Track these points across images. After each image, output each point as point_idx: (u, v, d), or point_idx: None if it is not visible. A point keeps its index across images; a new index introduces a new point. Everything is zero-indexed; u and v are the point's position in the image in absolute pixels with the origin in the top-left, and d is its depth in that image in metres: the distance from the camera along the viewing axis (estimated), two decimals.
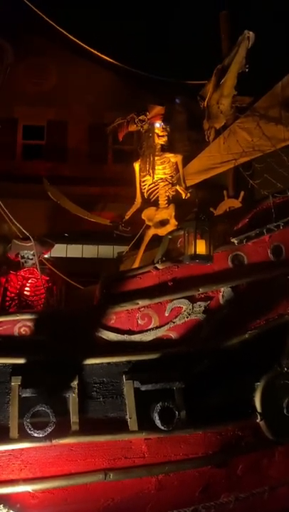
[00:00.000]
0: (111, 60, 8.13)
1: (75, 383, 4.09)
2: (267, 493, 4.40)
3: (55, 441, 3.94)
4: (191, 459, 4.18)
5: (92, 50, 7.92)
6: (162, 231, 6.32)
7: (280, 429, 4.38)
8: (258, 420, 4.33)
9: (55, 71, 11.57)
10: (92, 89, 11.07)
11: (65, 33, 7.55)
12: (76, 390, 4.08)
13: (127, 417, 4.13)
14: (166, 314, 4.50)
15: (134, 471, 4.08)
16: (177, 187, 6.56)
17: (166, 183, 6.56)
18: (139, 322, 4.47)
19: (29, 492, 3.90)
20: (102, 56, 8.03)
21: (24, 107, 11.41)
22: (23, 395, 3.99)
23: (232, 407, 4.28)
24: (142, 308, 4.48)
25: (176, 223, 6.29)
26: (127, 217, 6.86)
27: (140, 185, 6.73)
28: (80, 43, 7.77)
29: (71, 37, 7.63)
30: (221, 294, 4.56)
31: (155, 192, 6.61)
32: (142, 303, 4.48)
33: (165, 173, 6.56)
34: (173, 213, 6.44)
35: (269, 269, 4.67)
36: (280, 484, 4.45)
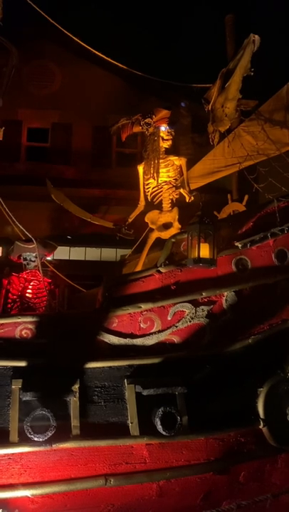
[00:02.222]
0: (116, 63, 8.13)
1: (76, 387, 4.05)
2: (269, 500, 4.34)
3: (55, 446, 3.90)
4: (192, 465, 4.13)
5: (97, 53, 7.91)
6: (165, 234, 6.30)
7: (283, 435, 4.31)
8: (260, 426, 4.28)
9: (59, 74, 11.62)
10: (97, 92, 11.10)
11: (70, 35, 7.54)
12: (77, 394, 4.04)
13: (129, 421, 4.09)
14: (169, 318, 4.46)
15: (135, 476, 4.03)
16: (181, 190, 6.54)
17: (170, 186, 6.54)
18: (142, 326, 4.43)
19: (28, 497, 3.85)
20: (107, 59, 8.02)
21: (29, 110, 11.45)
22: (24, 399, 3.96)
23: (234, 413, 4.23)
24: (145, 312, 4.45)
25: (180, 226, 6.27)
26: (130, 220, 6.85)
27: (144, 188, 6.71)
28: (85, 45, 7.76)
29: (76, 39, 7.63)
30: (224, 298, 4.52)
31: (159, 195, 6.59)
32: (144, 306, 4.44)
33: (169, 176, 6.54)
34: (176, 216, 6.42)
35: (273, 274, 4.63)
36: (282, 492, 4.40)
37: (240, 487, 4.28)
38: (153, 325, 4.44)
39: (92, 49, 7.89)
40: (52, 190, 8.73)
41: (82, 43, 7.76)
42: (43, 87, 11.48)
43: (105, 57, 7.83)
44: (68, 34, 7.54)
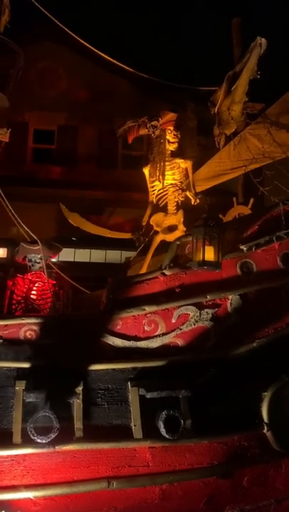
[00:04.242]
0: (122, 65, 8.16)
1: (79, 389, 4.05)
2: (273, 506, 4.31)
3: (58, 448, 3.89)
4: (195, 468, 4.11)
5: (104, 55, 7.94)
6: (170, 237, 6.29)
7: (287, 440, 4.28)
8: (264, 431, 4.25)
9: (66, 76, 11.65)
10: (103, 94, 11.12)
11: (76, 37, 7.58)
12: (81, 396, 4.03)
13: (132, 424, 4.07)
14: (173, 321, 4.45)
15: (138, 479, 4.01)
16: (187, 193, 6.54)
17: (176, 188, 6.54)
18: (146, 328, 4.42)
19: (31, 499, 3.84)
20: (114, 61, 8.06)
21: (35, 112, 11.49)
22: (28, 400, 3.95)
23: (238, 417, 4.21)
24: (149, 315, 4.44)
25: (185, 229, 6.26)
26: (143, 224, 6.80)
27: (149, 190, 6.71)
28: (91, 47, 7.79)
29: (83, 41, 7.66)
30: (228, 301, 4.50)
31: (164, 197, 6.59)
32: (148, 309, 4.43)
33: (174, 179, 6.54)
34: (181, 219, 6.41)
35: (278, 277, 4.61)
36: (286, 497, 4.36)
37: (244, 492, 4.25)
38: (157, 327, 4.43)
39: (98, 51, 7.92)
40: (67, 214, 8.76)
41: (88, 45, 7.79)
42: (49, 89, 11.51)
43: (112, 60, 7.86)
44: (74, 36, 7.57)
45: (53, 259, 6.00)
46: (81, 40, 7.55)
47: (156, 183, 6.59)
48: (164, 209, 6.60)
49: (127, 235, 7.66)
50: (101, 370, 4.18)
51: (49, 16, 6.93)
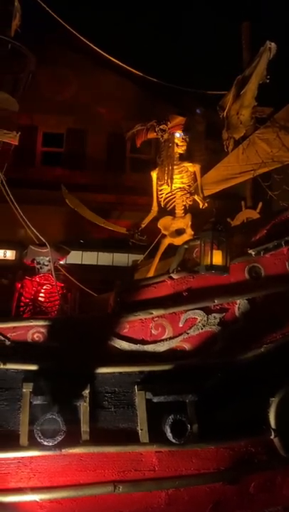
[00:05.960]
0: (131, 69, 8.19)
1: (86, 392, 4.05)
2: None
3: (64, 451, 3.89)
4: (202, 474, 4.10)
5: (113, 59, 7.99)
6: (178, 240, 6.29)
7: None
8: (271, 437, 4.23)
9: (75, 80, 11.71)
10: (112, 98, 11.17)
11: (86, 41, 7.64)
12: (87, 399, 4.04)
13: (138, 428, 4.07)
14: (181, 325, 4.44)
15: (144, 484, 4.01)
16: (195, 196, 6.54)
17: (184, 192, 6.54)
18: (153, 332, 4.42)
19: (37, 501, 3.85)
20: (123, 65, 8.10)
21: (44, 115, 11.55)
22: (34, 402, 3.96)
23: (245, 423, 4.19)
24: (156, 318, 4.43)
25: (193, 233, 6.26)
26: (143, 226, 6.84)
27: (157, 193, 6.72)
28: (101, 51, 7.84)
29: (93, 46, 7.72)
30: (236, 306, 4.49)
31: (172, 201, 6.59)
32: (156, 312, 4.43)
33: (183, 183, 6.55)
34: (189, 223, 6.41)
35: (286, 282, 4.59)
36: None
37: (250, 498, 4.22)
38: (164, 331, 4.42)
39: (107, 55, 7.97)
40: (66, 196, 8.81)
41: (97, 49, 7.84)
42: (58, 93, 11.56)
43: (120, 63, 7.90)
44: (84, 40, 7.62)
45: (61, 262, 6.01)
46: (91, 45, 7.61)
47: (165, 186, 6.60)
48: (171, 212, 6.61)
49: (122, 229, 7.67)
50: (108, 373, 4.18)
51: (58, 19, 6.99)
